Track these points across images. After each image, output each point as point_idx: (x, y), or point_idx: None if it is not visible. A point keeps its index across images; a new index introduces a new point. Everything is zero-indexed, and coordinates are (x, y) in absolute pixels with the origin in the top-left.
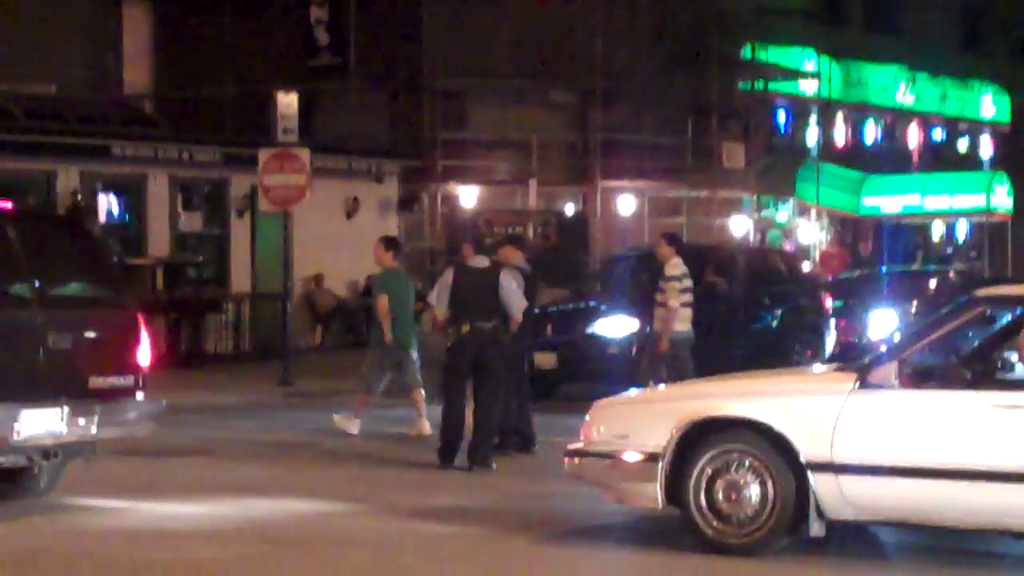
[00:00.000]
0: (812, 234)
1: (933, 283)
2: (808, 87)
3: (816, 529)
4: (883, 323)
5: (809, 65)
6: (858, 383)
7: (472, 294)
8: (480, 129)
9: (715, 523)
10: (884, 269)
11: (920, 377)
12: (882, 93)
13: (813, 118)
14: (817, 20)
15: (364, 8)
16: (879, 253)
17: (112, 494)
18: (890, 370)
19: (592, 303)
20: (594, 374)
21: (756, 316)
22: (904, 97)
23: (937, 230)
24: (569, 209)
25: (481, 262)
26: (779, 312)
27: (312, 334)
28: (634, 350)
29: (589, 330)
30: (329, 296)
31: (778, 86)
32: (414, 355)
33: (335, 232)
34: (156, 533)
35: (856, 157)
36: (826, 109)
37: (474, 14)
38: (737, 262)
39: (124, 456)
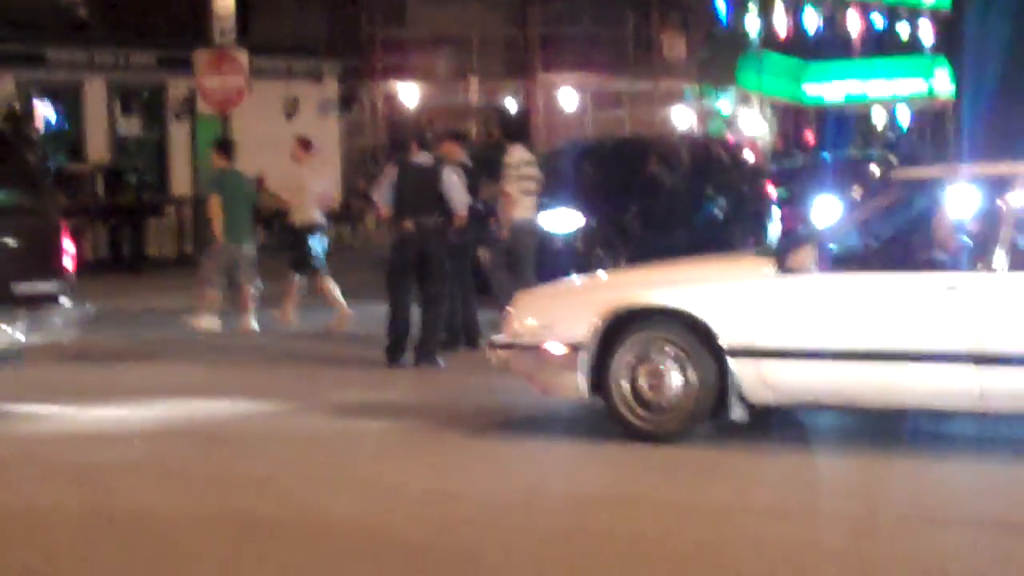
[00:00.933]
0: (755, 123)
1: (875, 169)
2: None
3: (737, 413)
4: (826, 209)
5: None
6: (777, 268)
7: (415, 190)
8: (419, 26)
9: (638, 410)
10: (826, 156)
11: (837, 261)
12: None
13: (753, 6)
14: None
15: None
16: (822, 141)
17: (52, 399)
18: (808, 254)
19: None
20: (538, 269)
21: (699, 206)
22: None
23: (880, 116)
24: (510, 104)
25: (424, 159)
26: (722, 201)
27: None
28: (578, 244)
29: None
30: (271, 198)
31: None
32: (248, 252)
33: (275, 134)
34: (97, 436)
35: (797, 45)
36: None
37: None
38: (679, 153)
39: (67, 361)
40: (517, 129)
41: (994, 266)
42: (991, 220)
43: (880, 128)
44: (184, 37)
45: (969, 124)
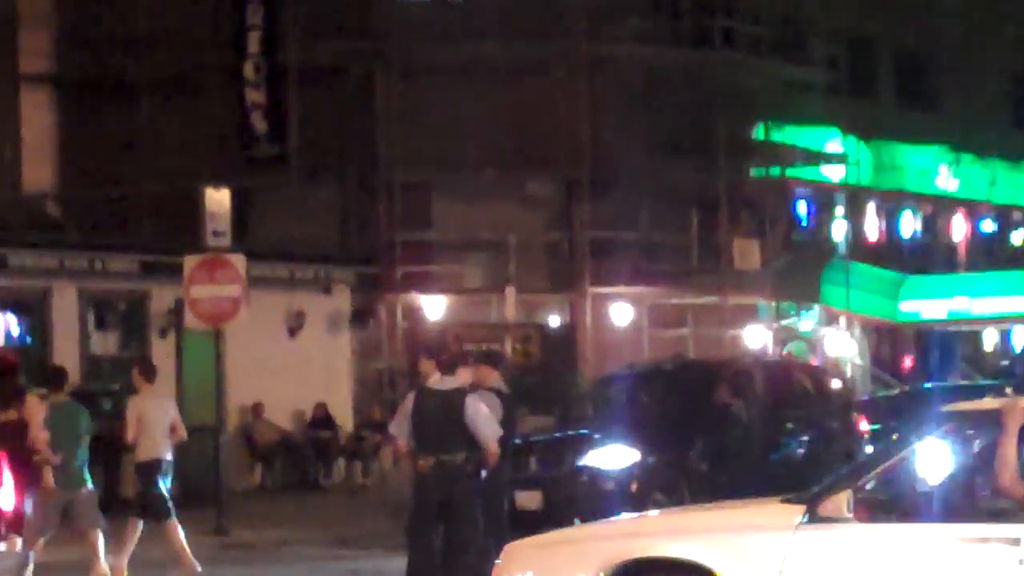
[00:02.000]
0: (842, 346)
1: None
2: (833, 173)
3: None
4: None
5: (834, 146)
6: (807, 516)
7: (436, 422)
8: (446, 229)
9: None
10: (928, 385)
11: (877, 509)
12: (921, 178)
13: (840, 209)
14: (842, 94)
15: (308, 89)
16: (922, 366)
17: None
18: (843, 501)
19: (583, 431)
20: (586, 514)
21: (778, 443)
22: (947, 183)
23: (990, 338)
24: (553, 321)
25: (446, 384)
26: (805, 438)
27: (251, 474)
28: (633, 486)
29: (580, 462)
30: (270, 429)
31: (798, 172)
32: (87, 493)
33: (276, 353)
34: None
35: (892, 254)
36: (855, 198)
37: (437, 94)
38: (754, 380)
39: None
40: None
41: None
42: None
43: (990, 351)
44: (171, 240)
45: None
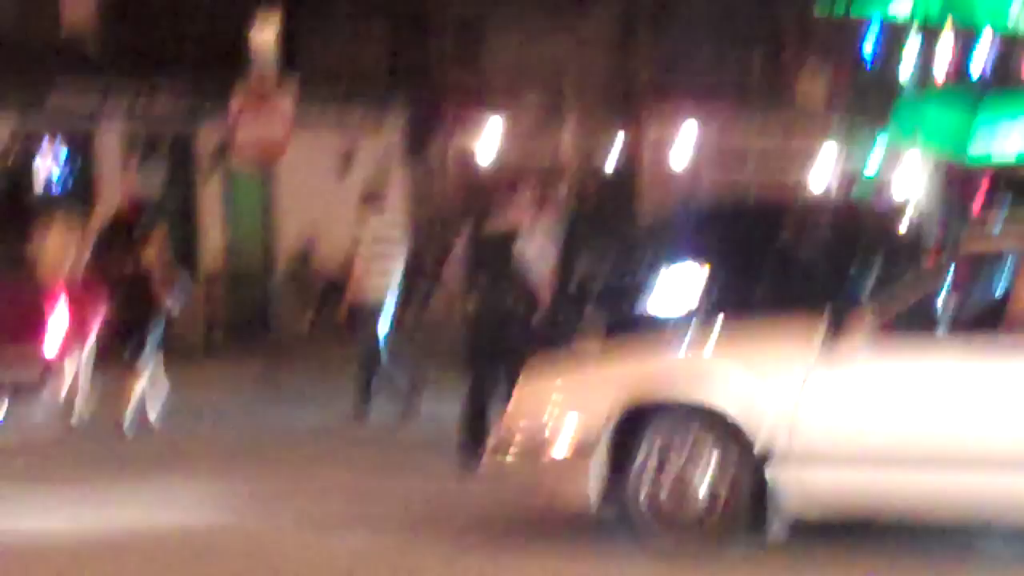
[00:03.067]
0: (910, 187)
1: None
2: (903, 8)
3: (776, 530)
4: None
5: None
6: (824, 354)
7: (488, 264)
8: (500, 68)
9: (658, 526)
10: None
11: (902, 340)
12: (995, 13)
13: (909, 46)
14: None
15: None
16: (994, 207)
17: (26, 512)
18: (863, 335)
19: (640, 277)
20: None
21: (842, 288)
22: (1022, 18)
23: None
24: (610, 163)
25: (500, 225)
26: (871, 282)
27: (301, 319)
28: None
29: (637, 309)
30: (320, 274)
31: (866, 8)
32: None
33: (326, 195)
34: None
35: (963, 92)
36: (926, 34)
37: None
38: (817, 221)
39: (42, 462)
40: (377, 197)
41: None
42: None
43: None
44: (217, 81)
45: None
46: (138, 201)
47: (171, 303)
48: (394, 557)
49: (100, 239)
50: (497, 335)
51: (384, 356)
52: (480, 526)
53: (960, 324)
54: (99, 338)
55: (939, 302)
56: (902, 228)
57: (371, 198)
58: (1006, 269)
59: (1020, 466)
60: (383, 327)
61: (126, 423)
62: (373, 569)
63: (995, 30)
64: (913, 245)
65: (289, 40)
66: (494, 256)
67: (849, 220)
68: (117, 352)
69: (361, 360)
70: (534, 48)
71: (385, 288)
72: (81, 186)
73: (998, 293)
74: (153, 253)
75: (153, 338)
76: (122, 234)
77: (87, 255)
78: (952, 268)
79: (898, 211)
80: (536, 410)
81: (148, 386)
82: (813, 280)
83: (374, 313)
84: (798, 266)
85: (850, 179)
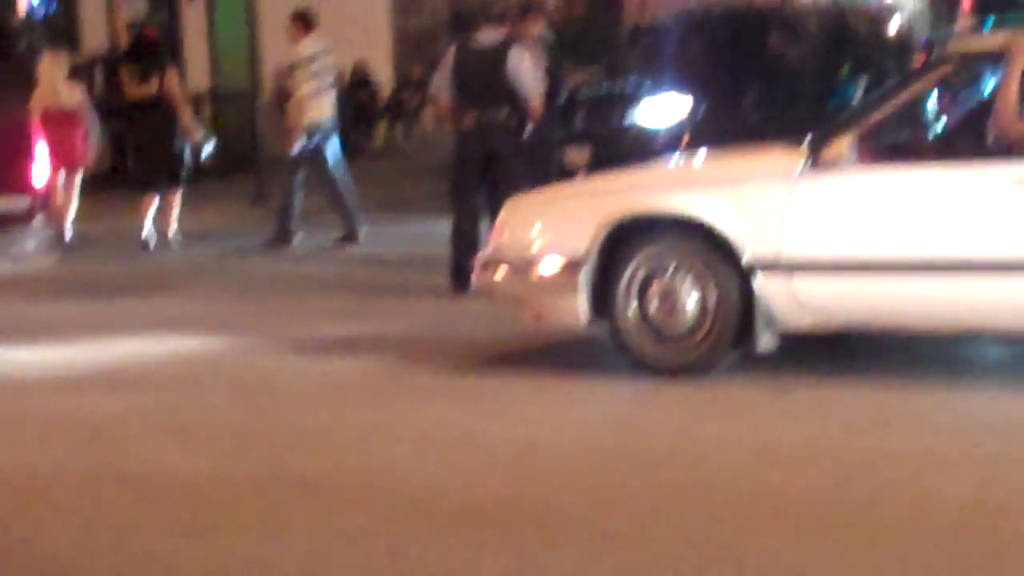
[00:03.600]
0: None
1: None
2: None
3: (765, 341)
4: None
5: None
6: (809, 161)
7: (478, 77)
8: None
9: (648, 338)
10: (990, 21)
11: (882, 152)
12: None
13: None
14: None
15: None
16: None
17: (32, 339)
18: (846, 145)
19: (630, 84)
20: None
21: (833, 89)
22: None
23: None
24: None
25: (489, 37)
26: (862, 82)
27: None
28: (684, 140)
29: (628, 117)
30: None
31: None
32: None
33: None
34: (92, 383)
35: None
36: None
37: None
38: (808, 25)
39: (45, 294)
40: (307, 18)
41: None
42: None
43: None
44: None
45: None
46: (153, 30)
47: (195, 126)
48: (385, 378)
49: (116, 66)
50: (488, 150)
51: (331, 176)
52: (470, 345)
53: (945, 131)
54: (98, 162)
55: (924, 107)
56: (892, 25)
57: (299, 18)
58: (993, 72)
59: (1002, 271)
60: (331, 149)
61: (170, 236)
62: (358, 390)
63: None
64: (902, 46)
65: None
66: (484, 70)
67: (838, 20)
68: (134, 174)
69: (288, 185)
70: None
71: (327, 110)
72: (64, 7)
73: (984, 97)
74: (175, 79)
75: (184, 158)
76: (143, 61)
77: (83, 84)
78: (939, 70)
79: (888, 12)
80: (525, 226)
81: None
82: (805, 82)
83: (321, 135)
84: (789, 69)
85: None
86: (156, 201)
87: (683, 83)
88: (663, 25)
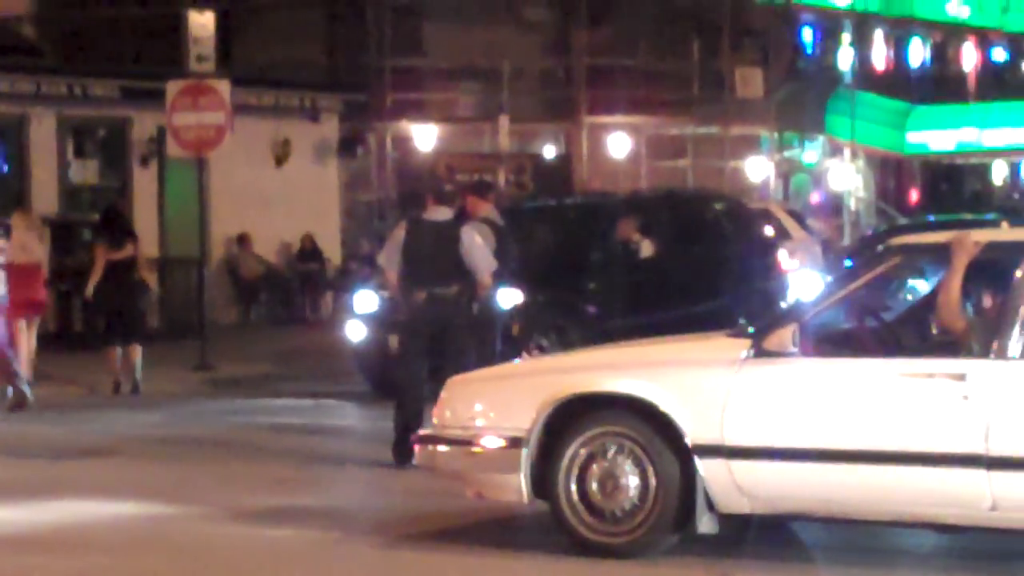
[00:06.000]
0: (846, 178)
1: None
2: None
3: (706, 524)
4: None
5: None
6: (753, 351)
7: (428, 253)
8: (438, 55)
9: (589, 519)
10: (931, 219)
11: (825, 343)
12: (931, 5)
13: (846, 36)
14: None
15: None
16: (928, 199)
17: None
18: (789, 334)
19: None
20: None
21: (683, 283)
22: (958, 9)
23: (999, 171)
24: (548, 151)
25: (440, 214)
26: (716, 277)
27: (236, 308)
28: (514, 328)
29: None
30: (256, 261)
31: None
32: None
33: (262, 183)
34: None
35: (899, 83)
36: (862, 25)
37: None
38: (660, 215)
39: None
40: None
41: (1010, 353)
42: (1006, 297)
43: (1000, 185)
44: (153, 65)
45: None
46: (121, 203)
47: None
48: (321, 549)
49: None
50: (438, 325)
51: None
52: (414, 518)
53: (887, 325)
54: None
55: (861, 303)
56: (760, 223)
57: None
58: (923, 269)
59: (933, 463)
60: None
61: (132, 387)
62: (301, 560)
63: (931, 21)
64: (767, 241)
65: (227, 26)
66: (435, 246)
67: (699, 211)
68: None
69: None
70: (472, 35)
71: None
72: (16, 169)
73: (927, 292)
74: (137, 244)
75: (142, 315)
76: (115, 230)
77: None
78: (874, 268)
79: (759, 206)
80: (468, 403)
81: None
82: (653, 275)
83: None
84: (636, 262)
85: (787, 169)
86: (119, 353)
87: (525, 270)
88: (523, 211)
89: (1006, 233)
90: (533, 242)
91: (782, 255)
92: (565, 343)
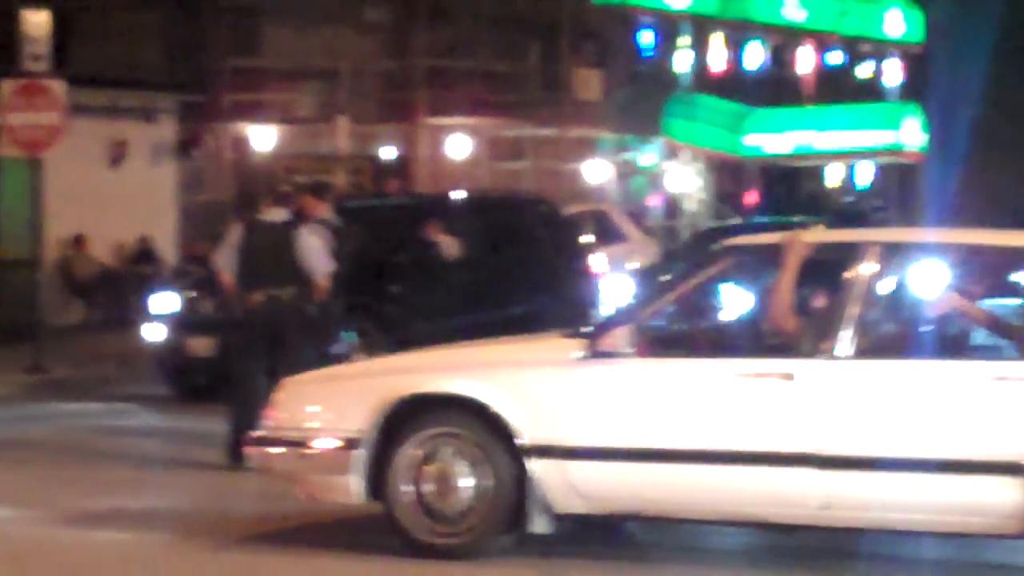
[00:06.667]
0: (684, 180)
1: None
2: (678, 1)
3: (539, 524)
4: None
5: None
6: (587, 351)
7: (265, 255)
8: (276, 55)
9: (424, 521)
10: (762, 220)
11: (658, 343)
12: (768, 8)
13: (684, 39)
14: None
15: None
16: (764, 202)
17: None
18: (623, 335)
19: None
20: None
21: (490, 285)
22: (795, 13)
23: (835, 174)
24: (387, 152)
25: (277, 216)
26: (522, 279)
27: (71, 310)
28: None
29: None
30: (91, 263)
31: (642, 0)
32: None
33: (98, 184)
34: None
35: (737, 86)
36: (700, 28)
37: None
38: (466, 217)
39: None
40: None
41: (837, 352)
42: (836, 297)
43: (835, 187)
44: None
45: (940, 181)
46: None
47: None
48: (156, 553)
49: None
50: (275, 327)
51: None
52: (248, 520)
53: (712, 327)
54: None
55: (696, 303)
56: (571, 225)
57: None
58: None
59: (760, 463)
60: None
61: None
62: (141, 564)
63: (769, 25)
64: (578, 244)
65: (62, 25)
66: (271, 248)
67: (511, 212)
68: None
69: None
70: (310, 36)
71: None
72: None
73: (759, 292)
74: None
75: None
76: None
77: None
78: (708, 269)
79: (569, 208)
80: (301, 404)
81: None
82: (458, 278)
83: None
84: (441, 265)
85: (625, 170)
86: None
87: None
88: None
89: (837, 234)
90: (346, 243)
91: (594, 259)
92: (368, 347)
